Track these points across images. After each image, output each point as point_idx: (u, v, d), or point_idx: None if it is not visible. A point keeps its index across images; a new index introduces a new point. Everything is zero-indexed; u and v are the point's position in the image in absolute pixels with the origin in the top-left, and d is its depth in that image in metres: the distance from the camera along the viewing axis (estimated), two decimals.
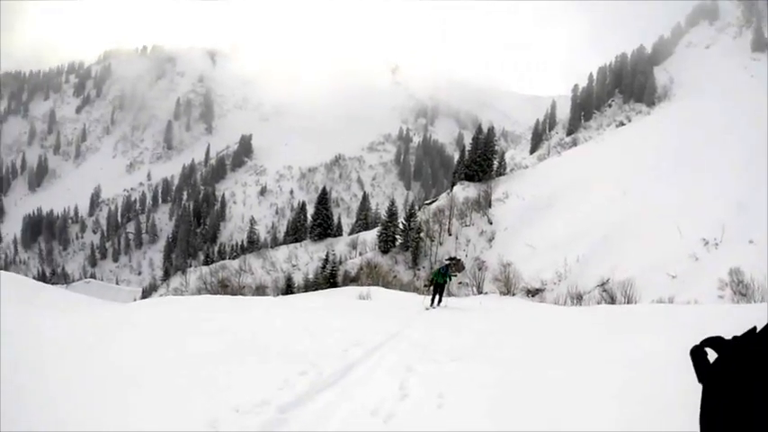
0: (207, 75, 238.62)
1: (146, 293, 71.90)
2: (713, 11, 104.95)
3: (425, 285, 20.39)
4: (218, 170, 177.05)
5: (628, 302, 21.04)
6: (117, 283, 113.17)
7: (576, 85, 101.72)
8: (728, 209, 28.59)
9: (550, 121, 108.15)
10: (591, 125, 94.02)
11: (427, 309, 16.70)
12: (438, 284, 17.74)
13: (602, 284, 26.63)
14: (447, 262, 20.62)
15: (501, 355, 7.68)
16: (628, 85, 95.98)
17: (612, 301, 22.58)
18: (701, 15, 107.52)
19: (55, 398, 4.47)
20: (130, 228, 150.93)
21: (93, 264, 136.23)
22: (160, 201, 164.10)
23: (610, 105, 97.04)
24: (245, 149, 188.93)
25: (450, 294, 22.85)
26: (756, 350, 0.50)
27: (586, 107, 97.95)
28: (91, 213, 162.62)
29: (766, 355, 0.49)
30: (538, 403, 4.95)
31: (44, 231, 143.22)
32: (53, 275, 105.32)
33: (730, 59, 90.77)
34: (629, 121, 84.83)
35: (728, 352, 0.55)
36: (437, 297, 17.70)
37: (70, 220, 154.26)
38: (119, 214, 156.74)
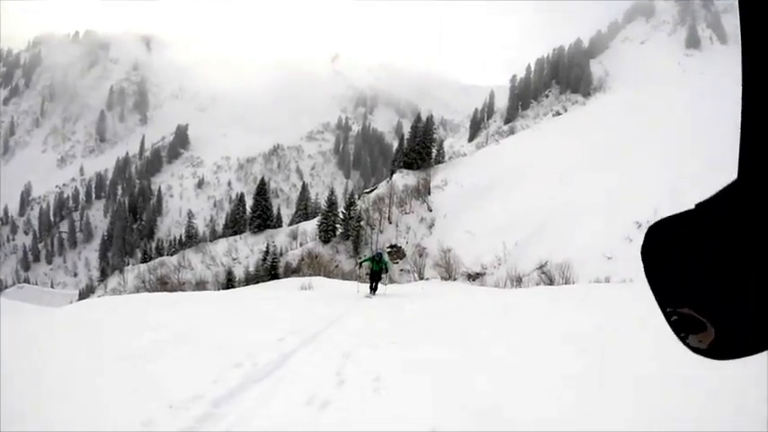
0: (142, 62, 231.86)
1: (83, 295, 69.09)
2: (649, 8, 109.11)
3: (358, 266, 19.62)
4: (154, 163, 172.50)
5: (566, 283, 21.42)
6: (52, 287, 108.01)
7: (514, 76, 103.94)
8: (662, 194, 29.44)
9: (489, 110, 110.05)
10: (528, 114, 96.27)
11: (366, 297, 16.15)
12: (375, 273, 17.08)
13: (541, 267, 27.10)
14: (380, 250, 19.36)
15: (441, 337, 7.65)
16: (564, 77, 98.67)
17: (551, 282, 23.00)
18: (637, 12, 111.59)
19: None
20: (64, 227, 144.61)
21: (27, 267, 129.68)
22: (94, 197, 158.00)
23: (547, 96, 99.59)
24: (181, 141, 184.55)
25: (391, 281, 22.78)
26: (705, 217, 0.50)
27: (524, 97, 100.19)
28: (21, 213, 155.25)
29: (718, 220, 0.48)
30: (479, 382, 4.87)
31: None
32: None
33: (665, 55, 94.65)
34: (566, 110, 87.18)
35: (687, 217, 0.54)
36: (374, 285, 17.09)
37: (0, 222, 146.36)
38: (51, 213, 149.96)
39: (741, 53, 0.46)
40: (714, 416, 3.48)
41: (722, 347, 0.53)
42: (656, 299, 0.57)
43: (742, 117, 0.45)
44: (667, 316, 0.56)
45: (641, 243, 0.59)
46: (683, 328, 0.55)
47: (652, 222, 0.58)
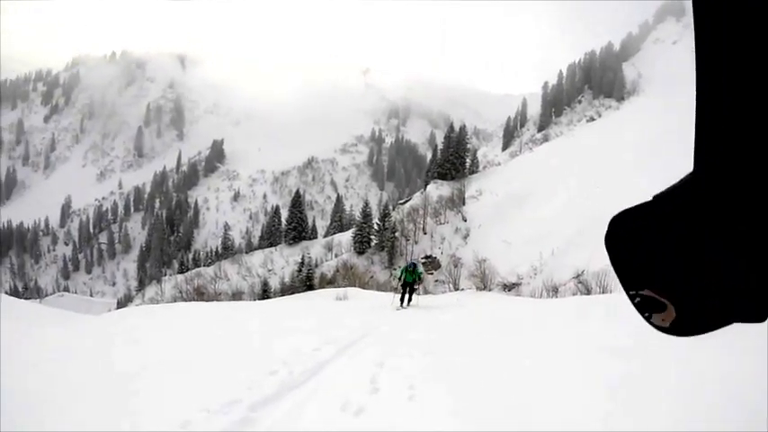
0: (177, 80, 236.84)
1: (120, 304, 70.50)
2: (680, 8, 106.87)
3: (396, 279, 18.58)
4: (191, 176, 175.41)
5: (603, 293, 21.03)
6: (91, 296, 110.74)
7: (546, 83, 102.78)
8: None
9: (521, 118, 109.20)
10: (561, 121, 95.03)
11: (398, 309, 15.79)
12: (407, 283, 16.68)
13: (578, 276, 26.65)
14: (415, 260, 18.77)
15: (474, 347, 7.62)
16: (597, 82, 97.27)
17: (588, 291, 22.58)
18: (667, 12, 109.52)
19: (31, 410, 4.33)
20: (103, 238, 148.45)
21: (67, 276, 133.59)
22: (132, 209, 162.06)
23: (580, 101, 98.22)
24: (217, 155, 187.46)
25: (426, 292, 22.65)
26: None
27: (557, 104, 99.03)
28: (62, 225, 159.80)
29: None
30: (509, 391, 4.87)
31: (15, 245, 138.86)
32: (26, 290, 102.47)
33: None
34: (599, 116, 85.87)
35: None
36: (407, 296, 16.72)
37: (41, 233, 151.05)
38: (90, 225, 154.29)
39: (695, 54, 0.48)
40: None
41: (683, 325, 0.57)
42: (621, 283, 0.60)
43: (696, 114, 0.48)
44: (631, 298, 0.60)
45: (605, 232, 0.61)
46: (647, 308, 0.59)
47: (615, 213, 0.61)
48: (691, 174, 0.52)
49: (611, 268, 0.60)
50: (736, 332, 0.61)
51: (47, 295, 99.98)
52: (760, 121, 0.44)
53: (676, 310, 0.56)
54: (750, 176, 0.45)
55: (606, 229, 0.62)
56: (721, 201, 0.48)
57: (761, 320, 0.49)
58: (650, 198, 0.59)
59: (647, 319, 0.59)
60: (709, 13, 0.44)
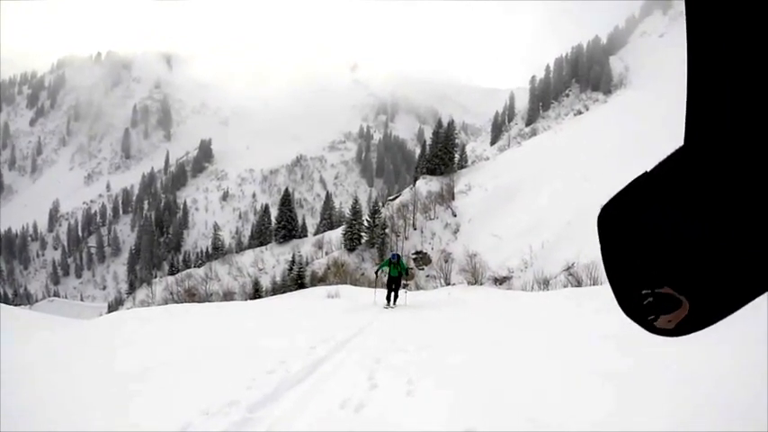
0: (163, 80, 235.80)
1: (112, 308, 70.05)
2: (666, 1, 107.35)
3: (376, 274, 16.67)
4: (179, 177, 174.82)
5: (593, 284, 21.17)
6: (82, 300, 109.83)
7: (533, 77, 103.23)
8: None
9: (509, 112, 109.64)
10: (549, 115, 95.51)
11: (385, 308, 14.26)
12: (392, 278, 14.91)
13: (568, 269, 26.78)
14: (397, 252, 17.18)
15: (470, 341, 7.67)
16: (584, 75, 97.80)
17: (579, 284, 22.70)
18: (654, 6, 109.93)
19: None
20: (92, 242, 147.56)
21: (56, 281, 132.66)
22: (121, 212, 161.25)
23: (567, 95, 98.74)
24: (205, 155, 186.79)
25: (418, 287, 22.63)
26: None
27: (544, 98, 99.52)
28: (50, 229, 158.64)
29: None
30: (506, 383, 4.91)
31: (3, 251, 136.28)
32: (15, 297, 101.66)
33: (683, 47, 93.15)
34: (587, 109, 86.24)
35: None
36: (393, 294, 15.00)
37: (30, 238, 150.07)
38: (79, 228, 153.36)
39: (686, 43, 0.51)
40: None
41: (690, 322, 0.54)
42: (622, 283, 0.56)
43: (688, 88, 0.48)
44: (640, 299, 0.55)
45: (597, 230, 0.58)
46: (657, 309, 0.55)
47: (603, 203, 0.57)
48: (680, 148, 0.51)
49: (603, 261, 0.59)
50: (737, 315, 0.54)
51: (37, 301, 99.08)
52: (751, 92, 0.43)
53: (690, 307, 0.53)
54: (744, 147, 0.44)
55: (597, 226, 0.58)
56: (725, 174, 0.46)
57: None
58: (634, 179, 0.55)
59: (650, 323, 0.57)
60: None
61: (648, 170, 0.54)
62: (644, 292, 0.55)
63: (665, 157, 0.53)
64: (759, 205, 0.45)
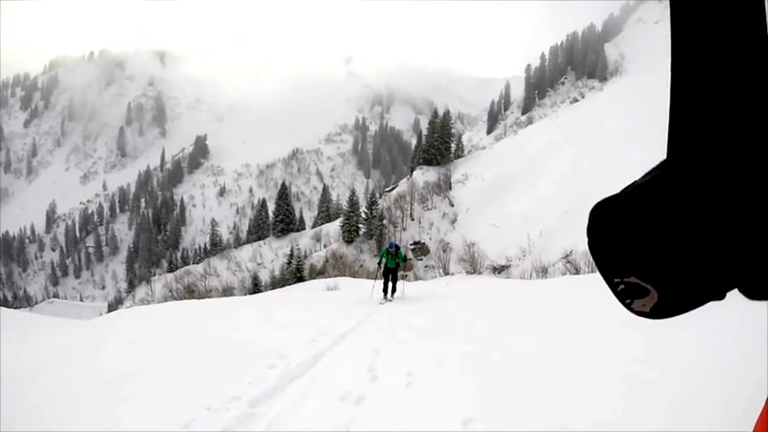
0: (157, 77, 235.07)
1: (111, 307, 70.05)
2: None
3: (377, 266, 15.56)
4: (175, 174, 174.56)
5: (591, 272, 21.18)
6: (81, 300, 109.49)
7: (528, 65, 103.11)
8: None
9: (505, 101, 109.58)
10: (545, 103, 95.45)
11: (381, 303, 13.54)
12: (389, 269, 14.42)
13: (567, 256, 26.81)
14: (395, 242, 16.08)
15: (469, 330, 7.69)
16: (580, 63, 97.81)
17: (577, 271, 22.72)
18: None
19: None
20: (90, 242, 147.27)
21: (55, 283, 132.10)
22: (118, 211, 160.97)
23: (563, 83, 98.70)
24: (200, 151, 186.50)
25: (417, 278, 22.62)
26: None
27: (540, 86, 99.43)
28: (48, 230, 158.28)
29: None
30: (507, 372, 4.95)
31: (1, 254, 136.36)
32: (15, 299, 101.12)
33: None
34: (583, 97, 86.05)
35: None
36: (390, 286, 14.44)
37: (27, 240, 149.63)
38: (77, 229, 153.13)
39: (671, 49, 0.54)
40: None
41: (663, 308, 0.59)
42: (603, 273, 0.62)
43: (670, 102, 0.54)
44: (614, 286, 0.61)
45: (587, 224, 0.64)
46: (629, 295, 0.61)
47: (595, 203, 0.63)
48: (664, 162, 0.55)
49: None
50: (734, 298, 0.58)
51: (36, 303, 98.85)
52: (732, 107, 0.47)
53: (659, 295, 0.58)
54: (721, 163, 0.48)
55: (587, 220, 0.64)
56: (695, 186, 0.50)
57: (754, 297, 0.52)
58: (625, 187, 0.61)
59: (628, 306, 0.62)
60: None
61: (636, 181, 0.59)
62: (615, 280, 0.61)
63: (649, 170, 0.58)
64: (760, 205, 0.47)
